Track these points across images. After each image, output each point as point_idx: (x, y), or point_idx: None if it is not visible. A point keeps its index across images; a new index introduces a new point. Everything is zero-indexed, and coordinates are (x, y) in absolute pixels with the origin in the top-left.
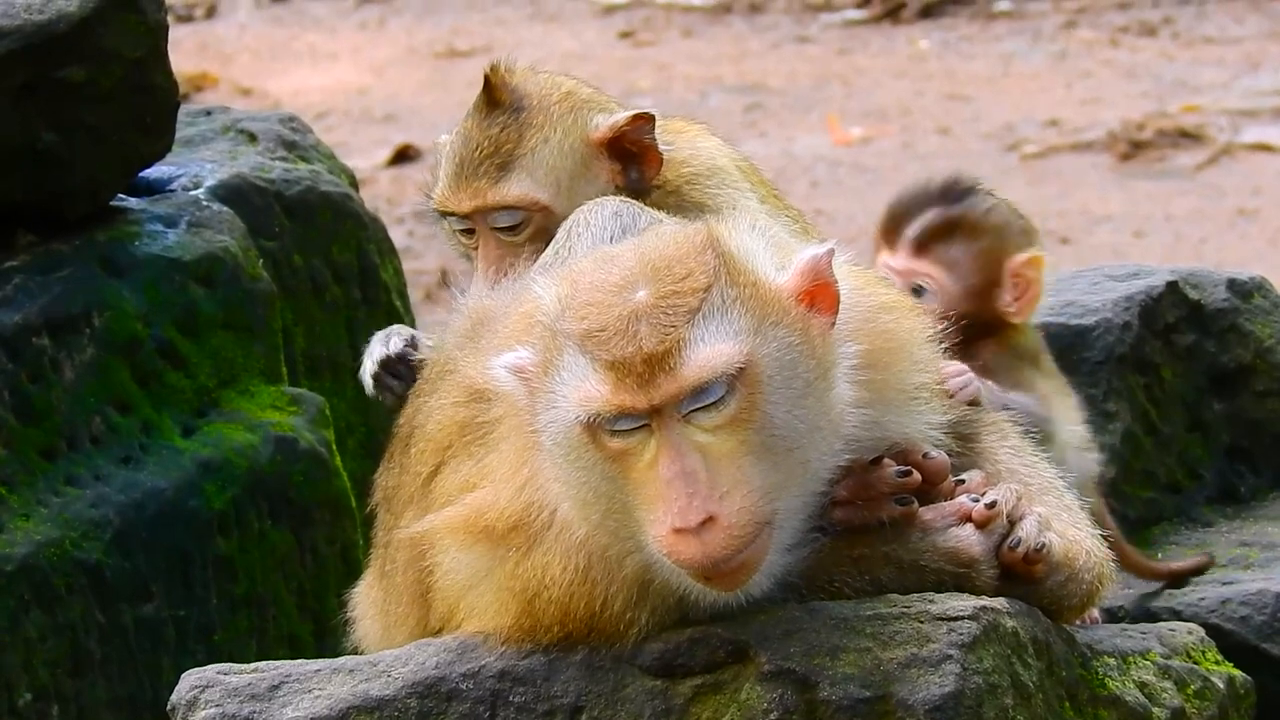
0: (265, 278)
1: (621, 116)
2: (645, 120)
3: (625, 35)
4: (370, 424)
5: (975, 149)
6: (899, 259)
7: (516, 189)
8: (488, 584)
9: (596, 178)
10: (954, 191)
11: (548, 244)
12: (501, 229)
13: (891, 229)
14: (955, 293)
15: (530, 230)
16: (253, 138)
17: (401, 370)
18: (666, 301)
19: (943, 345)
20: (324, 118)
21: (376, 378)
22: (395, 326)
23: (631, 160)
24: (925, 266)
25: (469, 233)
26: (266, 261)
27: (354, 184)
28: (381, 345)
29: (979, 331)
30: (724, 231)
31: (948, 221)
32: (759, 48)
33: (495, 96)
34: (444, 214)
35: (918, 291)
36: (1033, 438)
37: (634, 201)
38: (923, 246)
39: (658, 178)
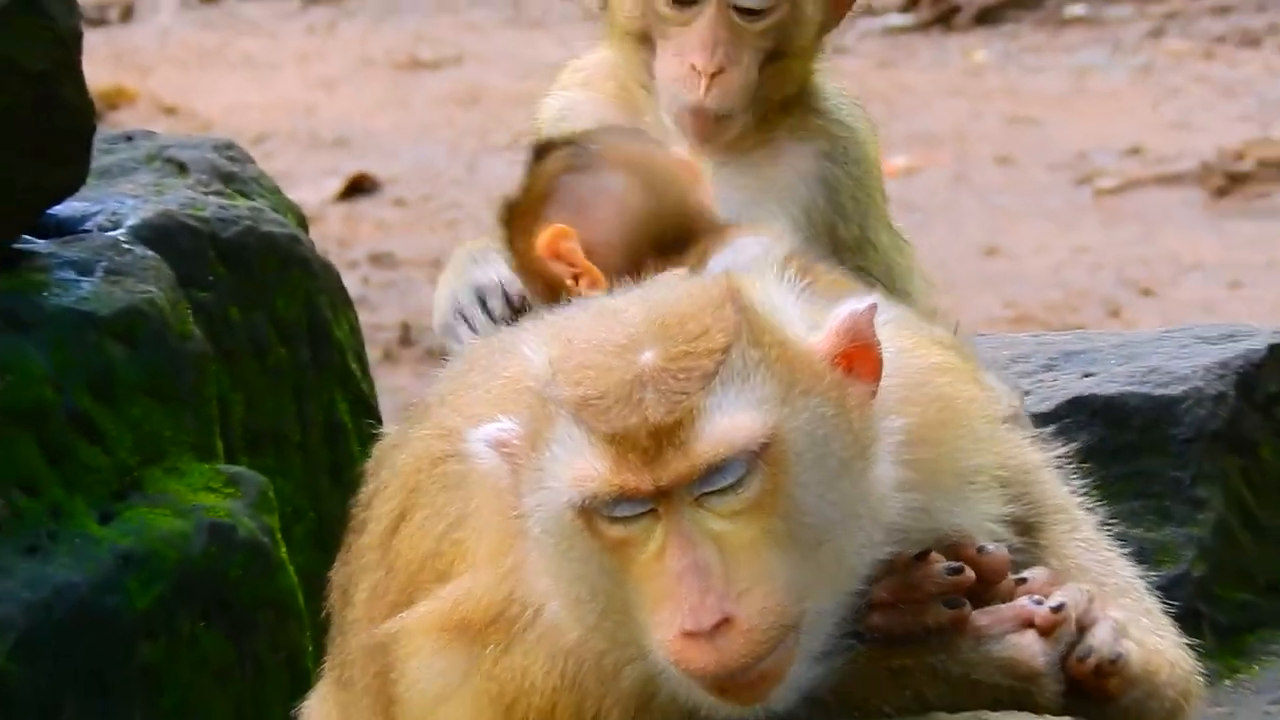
0: (197, 335)
1: None
2: None
3: None
4: (321, 510)
5: (1042, 181)
6: None
7: None
8: (463, 694)
9: None
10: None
11: (772, 48)
12: (744, 7)
13: None
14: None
15: (774, 18)
16: (182, 168)
17: (494, 306)
18: (677, 364)
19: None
20: (263, 142)
21: (459, 309)
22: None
23: None
24: None
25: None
26: (198, 316)
27: (302, 223)
28: (473, 266)
29: None
30: (747, 283)
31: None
32: None
33: None
34: None
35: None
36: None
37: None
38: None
39: None
